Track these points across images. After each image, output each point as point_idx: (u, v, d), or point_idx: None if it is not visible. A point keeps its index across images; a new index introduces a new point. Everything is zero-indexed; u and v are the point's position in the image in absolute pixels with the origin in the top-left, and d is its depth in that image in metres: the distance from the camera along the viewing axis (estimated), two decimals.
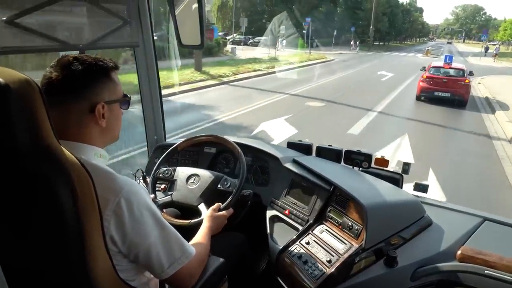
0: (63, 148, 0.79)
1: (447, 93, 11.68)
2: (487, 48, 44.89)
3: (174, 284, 1.12)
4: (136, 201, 0.96)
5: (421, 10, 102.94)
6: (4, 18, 1.27)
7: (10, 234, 0.81)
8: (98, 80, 1.01)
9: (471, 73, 12.56)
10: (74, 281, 0.86)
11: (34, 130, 0.73)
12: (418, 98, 12.42)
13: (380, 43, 65.07)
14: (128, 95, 1.12)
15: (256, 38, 37.30)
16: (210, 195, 1.67)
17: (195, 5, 1.77)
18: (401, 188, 1.82)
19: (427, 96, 12.11)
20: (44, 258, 0.84)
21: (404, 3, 78.49)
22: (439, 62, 13.31)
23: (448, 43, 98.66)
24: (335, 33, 38.32)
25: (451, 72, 12.28)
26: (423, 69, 13.17)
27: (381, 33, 60.20)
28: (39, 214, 0.78)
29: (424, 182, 1.85)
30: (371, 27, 49.67)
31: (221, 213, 1.51)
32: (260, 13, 48.12)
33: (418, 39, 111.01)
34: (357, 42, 44.08)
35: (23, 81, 0.71)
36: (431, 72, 12.35)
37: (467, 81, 11.91)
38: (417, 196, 1.77)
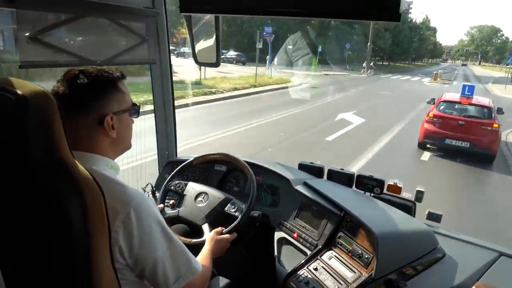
0: (77, 162, 0.80)
1: (465, 142, 7.78)
2: None
3: None
4: (145, 213, 0.95)
5: (434, 30, 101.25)
6: (27, 34, 1.30)
7: (18, 245, 0.81)
8: (105, 91, 1.01)
9: (499, 111, 8.79)
10: None
11: (49, 142, 0.74)
12: (421, 145, 8.55)
13: (384, 63, 56.40)
14: (138, 104, 1.12)
15: (229, 53, 31.29)
16: (216, 217, 1.66)
17: (212, 25, 1.80)
18: (414, 216, 1.79)
19: (434, 143, 8.29)
20: (50, 270, 0.83)
21: (413, 20, 70.93)
22: (454, 95, 9.28)
23: (462, 65, 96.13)
24: (335, 52, 34.76)
25: (472, 110, 8.39)
26: (432, 101, 9.56)
27: (383, 52, 51.75)
28: (48, 227, 0.78)
29: (437, 212, 1.81)
30: (368, 43, 40.84)
31: (224, 236, 1.49)
32: (238, 25, 39.98)
33: (429, 60, 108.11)
34: (371, 64, 36.99)
35: (41, 93, 0.73)
36: (442, 109, 8.48)
37: (496, 125, 7.86)
38: (430, 226, 1.74)
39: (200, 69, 15.77)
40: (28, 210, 0.78)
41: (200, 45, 1.93)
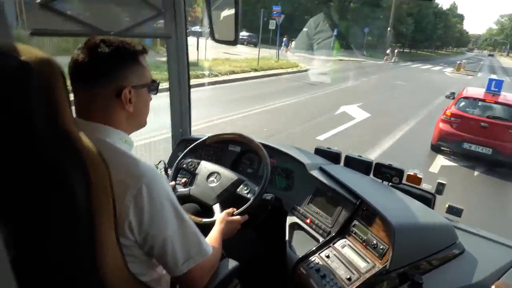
0: (81, 135, 0.77)
1: (487, 148, 6.37)
2: None
3: (184, 283, 1.08)
4: (157, 189, 0.92)
5: (461, 17, 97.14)
6: (39, 1, 1.26)
7: (22, 220, 0.79)
8: (125, 63, 0.98)
9: None
10: (82, 272, 0.84)
11: (52, 112, 0.71)
12: (434, 148, 7.12)
13: (405, 50, 51.46)
14: (157, 80, 1.08)
15: (240, 34, 31.15)
16: (227, 198, 1.62)
17: (231, 1, 1.73)
18: (433, 209, 1.71)
19: (449, 147, 6.90)
20: (52, 246, 0.82)
21: (440, 5, 66.17)
22: (477, 91, 7.65)
23: (489, 55, 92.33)
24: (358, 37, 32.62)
25: (498, 110, 6.77)
26: (451, 96, 7.90)
27: (405, 38, 47.49)
28: (51, 201, 0.76)
29: (458, 206, 1.73)
30: (388, 29, 37.36)
31: (235, 217, 1.46)
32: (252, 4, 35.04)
33: (454, 48, 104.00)
34: (396, 51, 33.66)
35: (46, 60, 0.70)
36: (461, 106, 6.95)
37: None
38: (450, 220, 1.66)
39: (198, 50, 14.47)
40: (31, 181, 0.75)
41: (218, 22, 1.87)
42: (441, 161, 6.70)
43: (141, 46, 1.02)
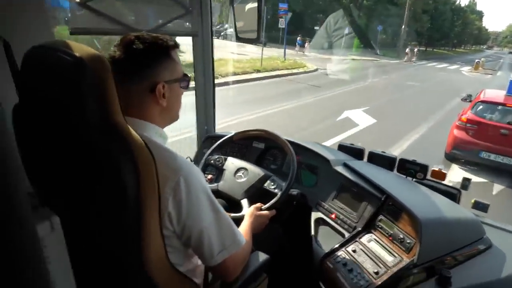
0: (129, 127, 0.80)
1: (508, 158, 5.69)
2: None
3: (218, 273, 1.11)
4: (194, 182, 0.95)
5: (480, 14, 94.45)
6: (78, 0, 1.31)
7: (76, 207, 0.83)
8: (158, 59, 1.01)
9: None
10: (128, 259, 0.88)
11: (104, 105, 0.75)
12: (448, 157, 6.37)
13: (420, 49, 45.74)
14: (189, 75, 1.11)
15: (230, 29, 24.67)
16: (255, 193, 1.65)
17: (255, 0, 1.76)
18: (459, 204, 1.71)
19: (465, 156, 6.13)
20: (103, 233, 0.86)
21: (457, 2, 61.58)
22: (497, 93, 6.79)
23: (510, 53, 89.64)
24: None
25: None
26: (468, 98, 6.99)
27: (421, 36, 45.30)
28: (103, 190, 0.80)
29: (485, 201, 1.72)
30: (403, 27, 35.90)
31: (264, 212, 1.48)
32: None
33: (473, 46, 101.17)
34: (415, 50, 32.15)
35: (97, 57, 0.73)
36: (479, 111, 6.17)
37: None
38: (476, 215, 1.66)
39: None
40: (84, 171, 0.79)
41: (241, 21, 1.90)
42: (455, 172, 5.95)
43: (173, 41, 1.05)
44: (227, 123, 7.36)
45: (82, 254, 0.86)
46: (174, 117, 1.13)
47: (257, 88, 12.55)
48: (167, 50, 1.03)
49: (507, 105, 6.09)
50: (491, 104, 6.20)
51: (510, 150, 5.71)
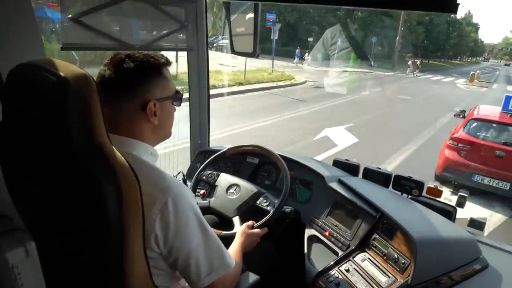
0: (114, 148, 0.79)
1: (503, 182, 5.16)
2: None
3: None
4: (183, 203, 0.93)
5: (475, 26, 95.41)
6: (70, 16, 1.31)
7: (55, 228, 0.82)
8: (149, 77, 1.00)
9: None
10: (110, 283, 0.85)
11: (88, 126, 0.74)
12: (439, 179, 5.81)
13: (415, 61, 47.88)
14: (181, 92, 1.10)
15: (221, 41, 24.43)
16: (247, 210, 1.63)
17: (251, 13, 1.76)
18: (454, 222, 1.69)
19: (456, 178, 5.63)
20: (83, 256, 0.83)
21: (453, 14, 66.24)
22: (491, 110, 6.24)
23: (505, 65, 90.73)
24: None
25: None
26: (462, 114, 6.51)
27: (416, 48, 44.85)
28: (84, 211, 0.78)
29: (481, 219, 1.71)
30: (397, 38, 35.23)
31: (255, 231, 1.46)
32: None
33: (469, 58, 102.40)
34: (417, 63, 31.48)
35: (82, 76, 0.72)
36: (472, 130, 5.67)
37: None
38: (472, 233, 1.64)
39: (177, 62, 13.94)
40: (65, 193, 0.78)
41: (237, 34, 1.90)
42: (445, 195, 5.17)
43: (165, 59, 1.05)
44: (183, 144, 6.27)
45: (60, 280, 0.84)
46: (167, 134, 1.12)
47: (236, 102, 11.50)
48: (158, 68, 1.02)
49: (502, 122, 5.60)
50: (485, 122, 5.72)
51: (505, 174, 5.16)
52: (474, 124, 5.72)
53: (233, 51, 1.93)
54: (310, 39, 30.38)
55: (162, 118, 1.04)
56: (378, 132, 9.09)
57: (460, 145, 5.56)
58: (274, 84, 15.44)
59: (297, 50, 26.97)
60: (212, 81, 12.50)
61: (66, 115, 0.70)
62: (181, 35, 1.85)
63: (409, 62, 30.85)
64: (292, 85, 16.15)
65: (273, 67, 18.90)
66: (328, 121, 9.46)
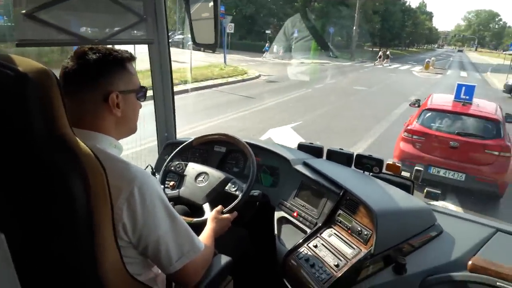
0: (77, 139, 0.80)
1: (459, 173, 5.04)
2: None
3: (178, 280, 1.12)
4: (149, 191, 0.96)
5: (429, 14, 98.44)
6: (24, 11, 1.28)
7: (22, 222, 0.82)
8: (112, 69, 1.01)
9: (509, 118, 5.69)
10: (82, 273, 0.86)
11: (49, 119, 0.74)
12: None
13: (374, 49, 49.58)
14: (145, 87, 1.12)
15: (177, 36, 24.56)
16: (216, 196, 1.67)
17: (211, 4, 1.78)
18: (412, 194, 1.81)
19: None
20: (53, 248, 0.84)
21: (407, 3, 63.65)
22: (444, 99, 6.19)
23: (458, 51, 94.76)
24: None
25: (471, 124, 5.32)
26: (417, 103, 6.44)
27: (373, 37, 46.52)
28: (51, 203, 0.79)
29: (436, 190, 1.83)
30: (354, 28, 36.20)
31: (225, 216, 1.50)
32: None
33: (425, 46, 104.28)
34: (387, 53, 31.47)
35: (41, 70, 0.73)
36: (425, 120, 5.53)
37: (507, 148, 4.96)
38: (428, 204, 1.76)
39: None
40: (32, 186, 0.78)
41: (198, 27, 1.91)
42: None
43: (129, 54, 1.06)
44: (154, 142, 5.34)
45: (32, 271, 0.84)
46: (132, 129, 1.13)
47: (178, 103, 9.84)
48: (122, 61, 1.04)
49: (455, 111, 5.50)
50: (438, 112, 5.60)
51: (460, 165, 5.04)
52: (428, 115, 5.59)
53: (195, 43, 1.95)
54: (268, 31, 30.16)
55: (125, 111, 1.05)
56: (327, 130, 8.50)
57: (414, 137, 5.41)
58: (224, 80, 14.61)
59: (267, 44, 26.64)
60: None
61: (26, 109, 0.70)
62: (141, 28, 1.84)
63: (380, 53, 31.14)
64: (244, 80, 15.47)
65: (225, 62, 18.44)
66: (275, 120, 8.89)
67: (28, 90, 0.69)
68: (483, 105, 5.74)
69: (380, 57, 30.46)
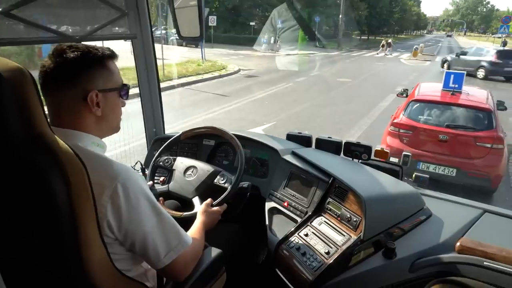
0: (56, 137, 0.79)
1: (450, 168, 4.72)
2: (504, 43, 31.12)
3: (168, 274, 1.12)
4: (132, 187, 0.95)
5: (417, 0, 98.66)
6: (0, 9, 1.26)
7: (5, 224, 0.81)
8: (91, 67, 0.99)
9: (500, 105, 5.44)
10: (69, 272, 0.86)
11: (26, 118, 0.73)
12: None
13: (362, 37, 50.26)
14: (128, 85, 1.10)
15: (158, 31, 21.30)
16: (206, 189, 1.66)
17: None
18: (401, 179, 1.82)
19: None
20: (38, 248, 0.84)
21: None
22: (432, 88, 5.81)
23: (447, 36, 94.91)
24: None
25: (461, 115, 4.94)
26: (405, 93, 6.11)
27: (360, 25, 44.85)
28: (32, 203, 0.78)
29: (424, 175, 1.85)
30: (340, 16, 34.57)
31: (215, 208, 1.50)
32: None
33: (414, 32, 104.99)
34: (390, 41, 29.69)
35: (15, 69, 0.72)
36: (412, 112, 5.16)
37: (499, 139, 4.63)
38: (417, 188, 1.78)
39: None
40: (12, 186, 0.77)
41: (183, 20, 1.90)
42: None
43: (110, 51, 1.04)
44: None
45: (19, 274, 0.84)
46: (114, 127, 1.12)
47: (134, 107, 7.37)
48: (101, 59, 1.02)
49: (444, 102, 5.08)
50: (425, 103, 5.21)
51: (450, 159, 4.70)
52: (415, 106, 5.20)
53: (180, 37, 1.93)
54: (253, 23, 29.54)
55: (106, 110, 1.03)
56: (303, 129, 6.81)
57: (401, 131, 5.04)
58: (199, 77, 13.71)
59: (265, 37, 25.81)
60: (127, 78, 10.67)
61: (1, 108, 0.69)
62: (123, 23, 1.81)
63: (383, 42, 29.98)
64: (221, 76, 14.60)
65: (203, 57, 17.37)
66: (246, 121, 8.11)
67: (3, 89, 0.68)
68: (473, 93, 5.34)
69: (383, 45, 29.17)
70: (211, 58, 18.04)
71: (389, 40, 30.73)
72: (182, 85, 12.31)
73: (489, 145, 4.57)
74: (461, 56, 17.19)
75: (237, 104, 9.70)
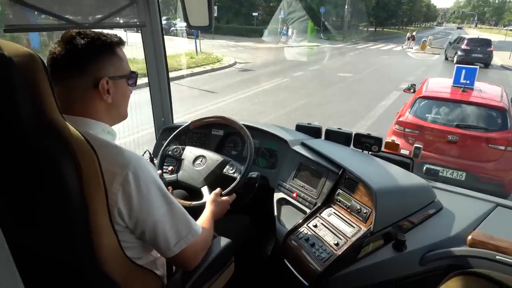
0: (68, 124, 0.79)
1: (459, 172, 4.12)
2: None
3: (178, 263, 1.12)
4: (143, 175, 0.95)
5: None
6: None
7: (16, 212, 0.81)
8: (101, 54, 0.99)
9: None
10: (80, 259, 0.86)
11: (37, 104, 0.72)
12: None
13: (370, 29, 47.42)
14: (136, 72, 1.09)
15: (178, 25, 22.54)
16: (215, 179, 1.66)
17: None
18: (412, 172, 1.80)
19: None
20: (49, 236, 0.84)
21: None
22: (442, 84, 5.42)
23: (458, 28, 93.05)
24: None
25: (472, 114, 4.45)
26: (412, 88, 5.58)
27: (368, 16, 42.77)
28: (43, 190, 0.78)
29: (435, 167, 1.82)
30: (346, 7, 33.20)
31: (224, 198, 1.50)
32: None
33: (423, 24, 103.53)
34: (414, 34, 27.54)
35: (27, 55, 0.71)
36: (419, 110, 4.69)
37: None
38: (428, 181, 1.76)
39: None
40: (23, 173, 0.77)
41: (191, 9, 1.88)
42: None
43: (118, 38, 1.03)
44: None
45: (32, 263, 0.84)
46: (123, 115, 1.12)
47: None
48: (111, 46, 1.01)
49: (454, 99, 4.63)
50: (434, 100, 4.72)
51: (460, 162, 4.24)
52: (422, 103, 4.72)
53: (189, 26, 1.92)
54: (255, 14, 29.09)
55: (116, 97, 1.03)
56: None
57: (407, 130, 4.58)
58: (189, 71, 12.70)
59: (284, 28, 24.92)
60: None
61: (12, 94, 0.68)
62: (132, 11, 1.80)
63: (408, 35, 27.78)
64: (213, 70, 13.69)
65: (196, 50, 16.32)
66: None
67: (14, 75, 0.67)
68: (486, 90, 4.83)
69: (408, 38, 27.01)
70: (209, 50, 17.30)
71: (414, 33, 29.09)
72: (172, 79, 10.44)
73: (502, 147, 4.14)
74: (452, 45, 19.08)
75: (224, 102, 8.90)
